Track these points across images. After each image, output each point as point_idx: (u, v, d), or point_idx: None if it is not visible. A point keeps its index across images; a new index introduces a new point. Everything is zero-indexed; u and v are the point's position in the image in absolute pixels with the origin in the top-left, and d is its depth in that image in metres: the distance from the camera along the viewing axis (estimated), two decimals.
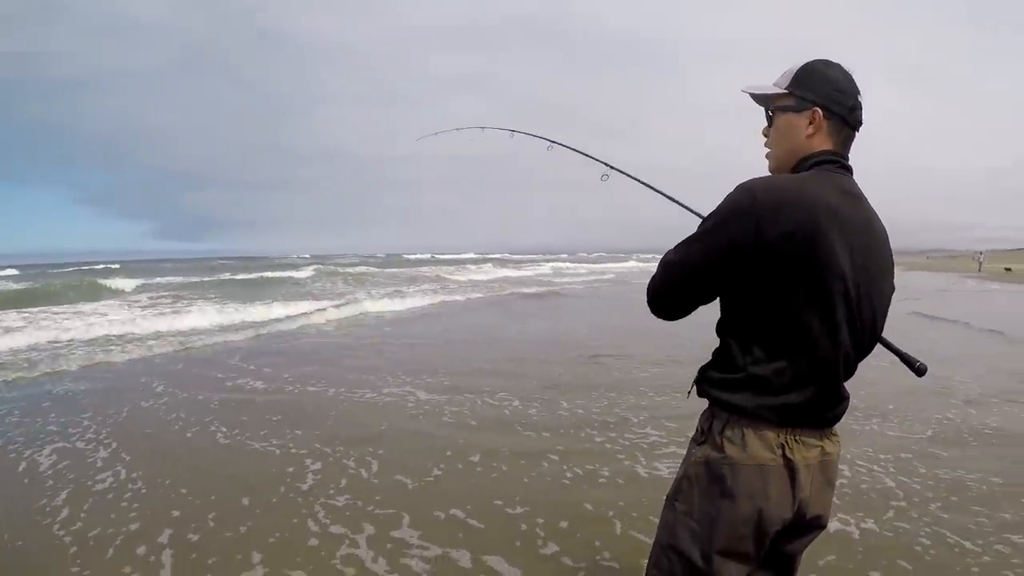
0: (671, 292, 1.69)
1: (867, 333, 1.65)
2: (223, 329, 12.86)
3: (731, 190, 1.59)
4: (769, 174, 1.76)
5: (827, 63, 1.70)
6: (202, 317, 14.13)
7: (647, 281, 1.72)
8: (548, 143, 3.38)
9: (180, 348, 10.59)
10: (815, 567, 3.16)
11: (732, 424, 1.61)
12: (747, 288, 1.58)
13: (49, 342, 10.94)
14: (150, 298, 21.37)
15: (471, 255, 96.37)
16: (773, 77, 1.77)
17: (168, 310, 16.49)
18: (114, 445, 5.40)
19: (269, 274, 33.70)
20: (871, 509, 3.91)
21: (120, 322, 13.46)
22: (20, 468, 4.89)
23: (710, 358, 1.72)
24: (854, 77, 1.70)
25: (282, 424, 5.93)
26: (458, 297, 21.35)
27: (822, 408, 1.62)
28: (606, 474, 4.55)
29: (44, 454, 5.18)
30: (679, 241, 1.67)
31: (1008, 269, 40.53)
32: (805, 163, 1.68)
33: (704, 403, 1.72)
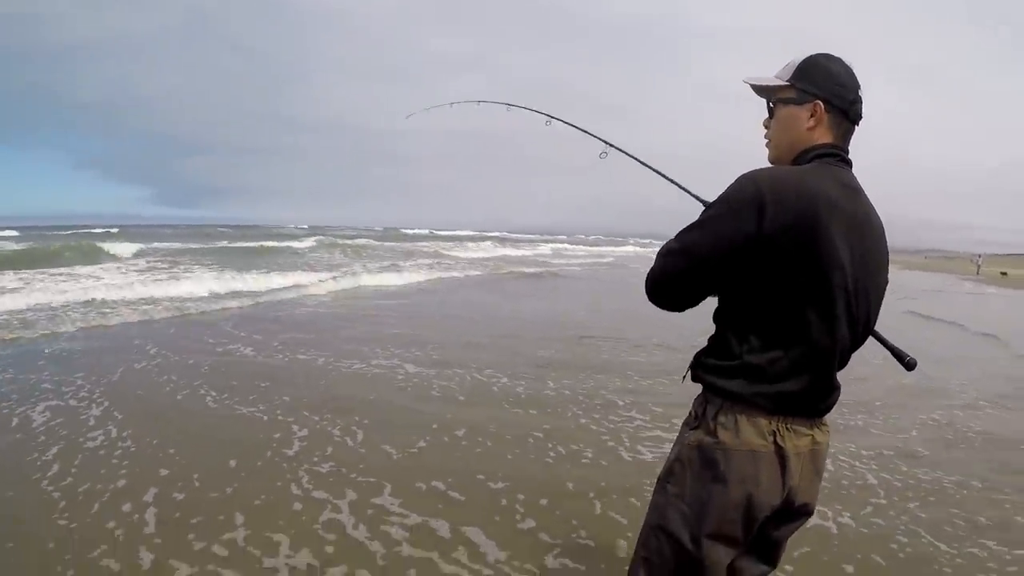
0: (672, 281, 1.70)
1: (861, 325, 1.68)
2: (219, 296, 12.89)
3: (733, 180, 1.61)
4: (769, 165, 1.79)
5: (828, 57, 1.73)
6: (199, 284, 14.11)
7: (644, 267, 1.75)
8: (547, 118, 3.39)
9: (176, 314, 10.63)
10: (789, 558, 3.19)
11: (726, 410, 1.63)
12: (747, 278, 1.60)
13: (46, 304, 10.94)
14: (148, 263, 21.34)
15: (469, 232, 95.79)
16: (773, 68, 1.80)
17: (165, 276, 16.48)
18: (106, 404, 5.48)
19: (267, 243, 33.41)
20: (850, 503, 3.94)
21: (117, 286, 13.46)
22: (13, 423, 4.97)
23: (705, 344, 1.75)
24: (854, 71, 1.72)
25: (270, 390, 6.00)
26: (456, 274, 21.36)
27: (815, 398, 1.65)
28: (589, 455, 4.61)
29: (38, 411, 5.25)
30: (680, 230, 1.68)
31: (1004, 273, 40.46)
32: (806, 155, 1.70)
33: (696, 388, 1.76)
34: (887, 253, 1.73)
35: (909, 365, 1.90)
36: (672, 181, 2.48)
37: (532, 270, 24.61)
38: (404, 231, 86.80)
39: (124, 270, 18.60)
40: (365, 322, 10.43)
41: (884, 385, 6.81)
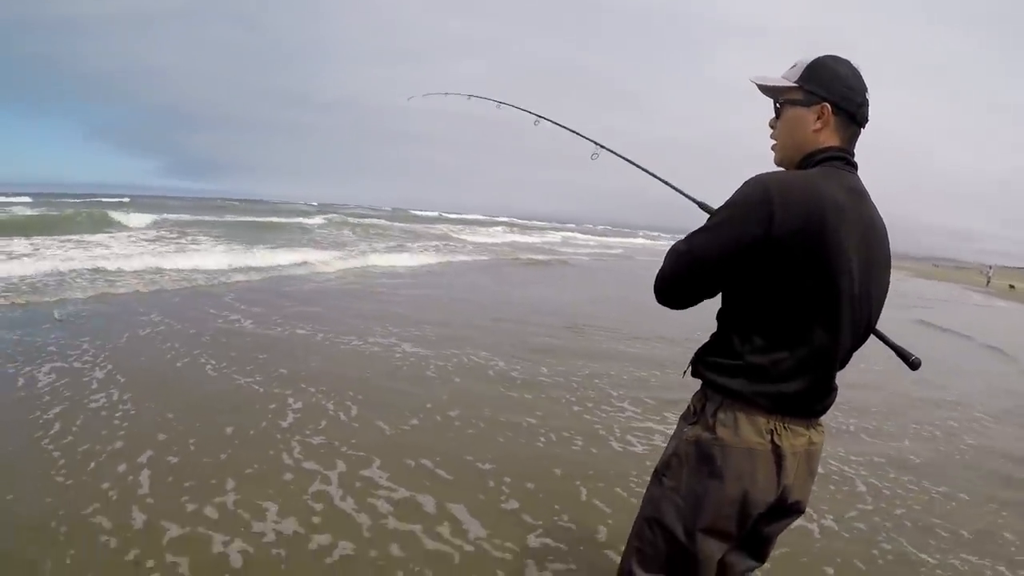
0: (680, 282, 1.71)
1: (863, 326, 1.71)
2: (226, 270, 12.98)
3: (743, 182, 1.62)
4: (776, 167, 1.80)
5: (836, 59, 1.72)
6: (207, 256, 14.23)
7: (652, 259, 1.79)
8: (536, 118, 3.39)
9: (182, 285, 10.73)
10: (769, 556, 3.24)
11: (726, 407, 1.65)
12: (753, 280, 1.61)
13: (55, 270, 11.03)
14: (157, 233, 21.40)
15: (478, 216, 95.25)
16: (781, 68, 1.81)
17: (174, 247, 16.62)
18: (109, 367, 5.59)
19: (276, 219, 33.36)
20: (835, 507, 3.97)
21: (126, 255, 13.57)
22: (19, 383, 5.08)
23: (707, 341, 1.77)
24: (861, 74, 1.73)
25: (268, 362, 6.09)
26: (464, 257, 21.35)
27: (814, 399, 1.67)
28: (579, 442, 4.67)
29: (43, 371, 5.36)
30: (690, 232, 1.70)
31: (1012, 287, 40.14)
32: (812, 158, 1.70)
33: (695, 384, 1.79)
34: (889, 255, 1.74)
35: (913, 364, 1.93)
36: (664, 182, 2.50)
37: (541, 257, 24.55)
38: (413, 212, 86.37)
39: (135, 239, 18.69)
40: (369, 301, 10.53)
41: (882, 392, 6.84)
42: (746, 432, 1.63)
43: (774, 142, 1.82)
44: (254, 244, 18.28)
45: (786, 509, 1.74)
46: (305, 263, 15.14)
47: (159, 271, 12.07)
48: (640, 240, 66.32)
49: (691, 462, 1.69)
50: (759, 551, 1.84)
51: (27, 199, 42.16)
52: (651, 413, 5.40)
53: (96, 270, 11.43)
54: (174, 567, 2.82)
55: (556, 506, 3.66)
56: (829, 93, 1.68)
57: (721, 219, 1.63)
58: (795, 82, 1.73)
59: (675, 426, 1.84)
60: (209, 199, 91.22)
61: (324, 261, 15.63)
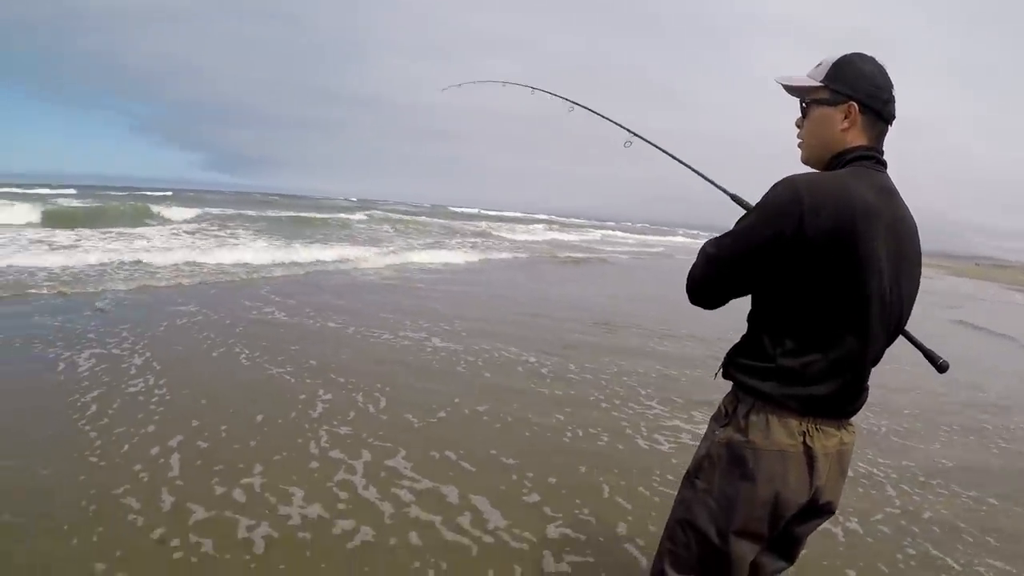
0: (710, 283, 1.72)
1: (894, 326, 1.70)
2: (266, 265, 13.13)
3: (773, 184, 1.62)
4: (807, 167, 1.78)
5: (862, 57, 1.71)
6: (246, 251, 14.43)
7: (691, 257, 1.76)
8: (570, 104, 3.35)
9: (221, 278, 10.91)
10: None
11: (757, 409, 1.66)
12: (783, 282, 1.61)
13: (96, 262, 11.31)
14: (198, 227, 21.69)
15: (517, 213, 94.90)
16: (806, 67, 1.79)
17: (214, 241, 16.82)
18: (147, 355, 5.74)
19: (317, 214, 33.37)
20: (861, 510, 3.91)
21: (166, 249, 13.87)
22: (59, 367, 5.24)
23: (738, 342, 1.77)
24: (887, 71, 1.71)
25: (300, 354, 6.19)
26: (504, 255, 21.27)
27: (845, 400, 1.67)
28: (605, 439, 4.66)
29: (83, 357, 5.53)
30: (720, 234, 1.71)
31: None
32: (841, 158, 1.69)
33: (726, 385, 1.80)
34: (920, 253, 1.73)
35: (941, 367, 1.91)
36: (697, 172, 2.47)
37: (579, 255, 24.37)
38: (452, 209, 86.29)
39: (176, 232, 19.01)
40: (404, 296, 10.59)
41: (915, 393, 6.71)
42: (778, 435, 1.63)
43: (801, 142, 1.81)
44: (294, 239, 18.51)
45: (818, 510, 1.74)
46: (345, 259, 15.22)
47: (199, 264, 12.29)
48: (680, 238, 65.60)
49: (723, 464, 1.70)
50: (789, 552, 1.85)
51: (72, 191, 43.11)
52: (679, 412, 5.37)
53: (137, 262, 11.69)
54: (198, 547, 2.89)
55: (577, 500, 3.67)
56: (855, 91, 1.67)
57: (751, 221, 1.64)
58: (821, 81, 1.72)
59: (704, 426, 1.85)
60: (250, 193, 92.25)
61: (363, 257, 15.74)
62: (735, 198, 2.16)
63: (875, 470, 4.58)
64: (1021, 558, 3.58)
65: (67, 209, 24.05)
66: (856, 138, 1.69)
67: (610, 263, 22.40)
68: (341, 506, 3.38)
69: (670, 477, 4.03)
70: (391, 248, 19.02)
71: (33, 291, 8.40)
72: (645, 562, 3.08)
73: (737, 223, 1.68)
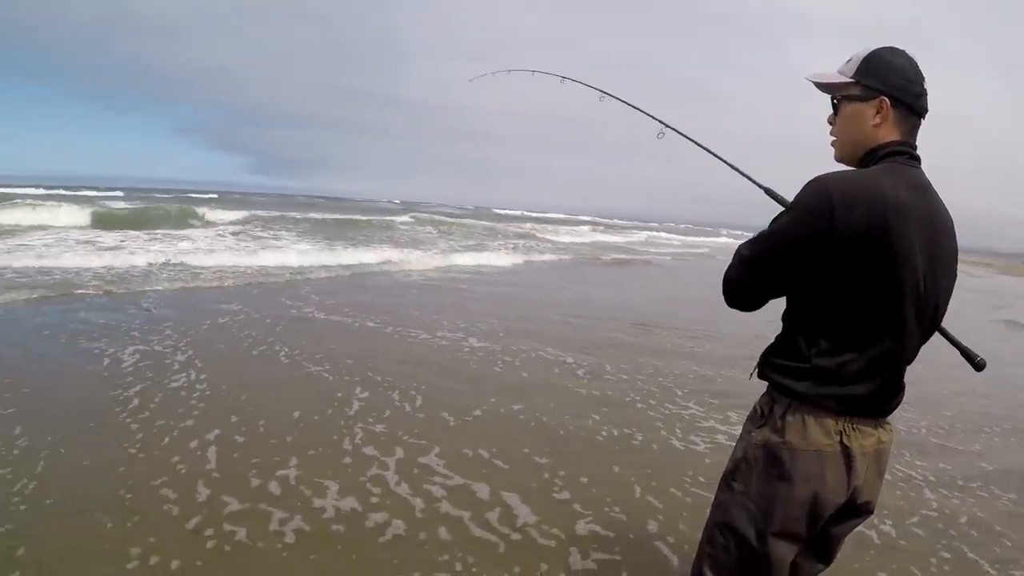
0: (746, 286, 1.73)
1: (929, 323, 1.68)
2: (309, 266, 13.20)
3: (805, 184, 1.60)
4: (841, 166, 1.75)
5: (892, 50, 1.68)
6: (290, 253, 14.62)
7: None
8: (600, 94, 3.33)
9: (264, 279, 11.06)
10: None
11: (793, 409, 1.64)
12: (817, 282, 1.60)
13: (142, 263, 11.56)
14: (243, 229, 21.89)
15: (560, 215, 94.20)
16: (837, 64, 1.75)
17: (259, 243, 17.03)
18: (190, 352, 5.87)
19: (361, 216, 33.33)
20: (896, 512, 3.81)
21: (211, 250, 14.09)
22: (104, 363, 5.40)
23: (773, 342, 1.76)
24: (918, 64, 1.68)
25: (338, 353, 6.25)
26: (549, 256, 21.16)
27: (882, 400, 1.65)
28: (639, 439, 4.62)
29: (127, 353, 5.69)
30: (752, 236, 1.71)
31: None
32: (874, 154, 1.67)
33: (761, 385, 1.78)
34: (956, 249, 1.69)
35: (979, 366, 1.88)
36: (731, 165, 2.46)
37: (624, 256, 24.22)
38: (495, 211, 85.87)
39: (221, 234, 19.31)
40: (446, 297, 10.63)
41: (958, 394, 6.53)
42: (815, 434, 1.61)
43: (833, 139, 1.79)
44: (338, 241, 18.71)
45: (856, 510, 1.72)
46: (389, 261, 15.28)
47: (242, 265, 12.47)
48: (723, 239, 64.64)
49: (760, 466, 1.69)
50: (827, 552, 1.83)
51: (119, 193, 44.06)
52: (715, 412, 5.30)
53: (181, 263, 11.92)
54: (232, 535, 2.95)
55: (608, 499, 3.65)
56: (886, 86, 1.65)
57: (784, 222, 1.63)
58: (851, 77, 1.70)
59: (740, 427, 1.83)
60: (294, 196, 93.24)
61: (407, 259, 15.77)
62: (769, 191, 2.16)
63: (913, 472, 4.46)
64: None
65: (114, 211, 24.53)
66: (889, 133, 1.67)
67: (654, 265, 22.21)
68: (374, 500, 3.41)
69: (702, 479, 3.98)
70: (436, 250, 19.05)
71: (80, 291, 8.62)
72: (677, 561, 3.05)
73: (771, 224, 1.67)
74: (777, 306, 1.80)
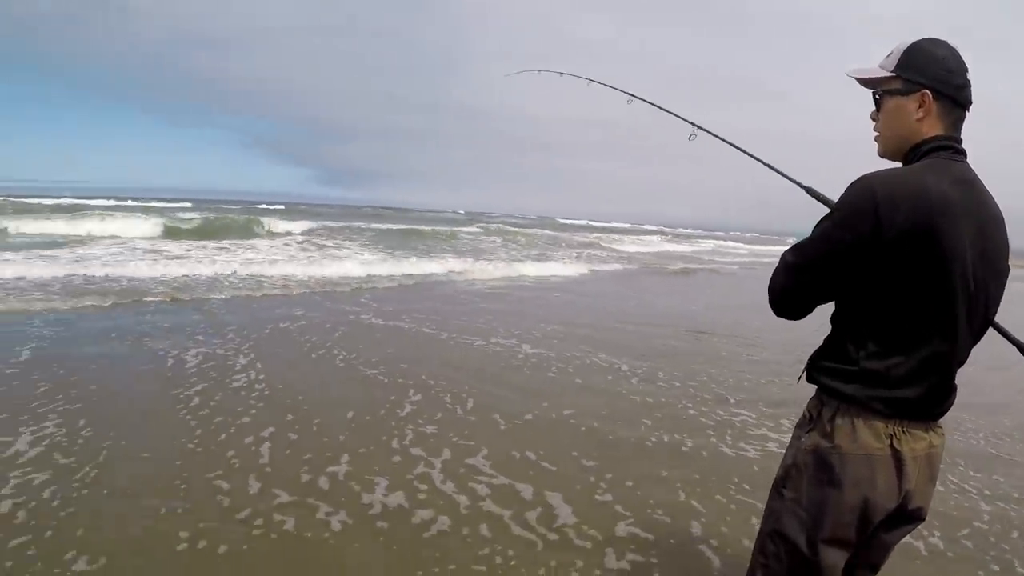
0: (790, 294, 1.70)
1: (980, 322, 1.64)
2: (372, 276, 13.34)
3: (848, 184, 1.57)
4: (886, 163, 1.71)
5: (933, 41, 1.64)
6: (354, 262, 14.85)
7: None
8: (627, 96, 3.30)
9: (327, 288, 11.26)
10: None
11: (842, 412, 1.61)
12: (865, 284, 1.56)
13: (209, 272, 11.93)
14: (308, 239, 22.25)
15: (625, 224, 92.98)
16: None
17: (324, 253, 17.30)
18: (252, 355, 6.08)
19: (426, 227, 33.47)
20: (947, 523, 3.65)
21: (276, 260, 14.44)
22: (168, 363, 5.66)
23: (821, 344, 1.73)
24: (960, 55, 1.63)
25: (394, 357, 6.37)
26: (613, 266, 20.97)
27: (932, 403, 1.61)
28: (689, 445, 4.57)
29: (190, 355, 5.93)
30: (797, 242, 1.68)
31: None
32: (919, 150, 1.62)
33: (810, 390, 1.75)
34: (1006, 242, 1.65)
35: None
36: (768, 165, 2.44)
37: (689, 266, 23.89)
38: (560, 220, 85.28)
39: (288, 243, 19.74)
40: (506, 305, 10.70)
41: (1016, 396, 6.26)
42: (864, 438, 1.58)
43: (877, 135, 1.75)
44: (402, 251, 18.97)
45: (907, 516, 1.68)
46: (454, 272, 15.29)
47: (307, 275, 12.72)
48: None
49: (810, 471, 1.66)
50: (877, 559, 1.80)
51: (187, 205, 45.37)
52: (767, 420, 5.20)
53: (247, 273, 12.24)
54: (280, 524, 3.07)
55: (651, 501, 3.63)
56: (928, 78, 1.60)
57: (827, 226, 1.60)
58: (892, 71, 1.66)
59: (791, 435, 1.80)
60: (359, 207, 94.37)
61: (470, 269, 15.80)
62: (810, 191, 2.12)
63: (966, 485, 4.25)
64: None
65: (182, 221, 25.23)
66: (932, 127, 1.62)
67: (720, 274, 21.84)
68: (420, 496, 3.48)
69: (746, 486, 3.91)
70: (501, 260, 19.03)
71: (148, 298, 8.98)
72: (718, 562, 3.03)
73: (815, 228, 1.64)
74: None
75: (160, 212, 30.27)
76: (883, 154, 1.74)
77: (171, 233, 21.10)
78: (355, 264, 14.53)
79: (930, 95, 1.60)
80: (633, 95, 3.29)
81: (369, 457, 3.95)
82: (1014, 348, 1.83)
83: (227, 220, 27.62)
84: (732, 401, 5.70)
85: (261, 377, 5.34)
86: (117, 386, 5.00)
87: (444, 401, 5.13)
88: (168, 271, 11.57)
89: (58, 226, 20.79)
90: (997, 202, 1.65)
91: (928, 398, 1.59)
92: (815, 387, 1.74)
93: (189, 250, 15.46)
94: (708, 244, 48.50)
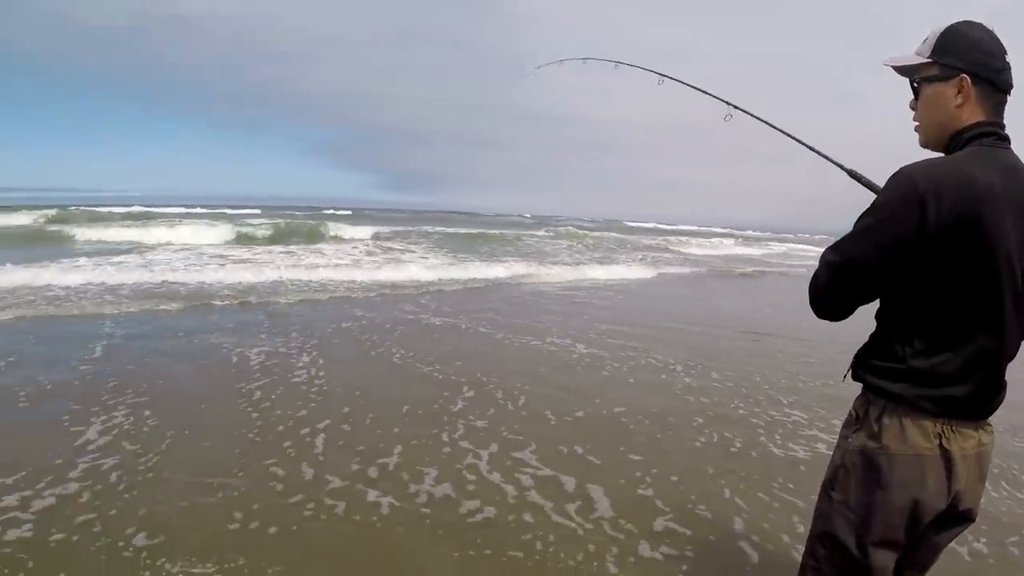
0: (832, 294, 1.66)
1: None
2: (437, 280, 13.36)
3: (889, 177, 1.53)
4: (927, 154, 1.64)
5: (970, 24, 1.58)
6: (419, 266, 14.94)
7: None
8: (659, 77, 3.25)
9: (390, 291, 11.38)
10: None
11: (889, 412, 1.58)
12: (910, 280, 1.52)
13: (276, 276, 12.19)
14: (375, 244, 22.53)
15: (693, 227, 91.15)
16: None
17: (391, 258, 17.46)
18: (314, 354, 6.31)
19: (494, 231, 33.22)
20: (994, 530, 3.50)
21: (342, 264, 14.69)
22: (233, 360, 5.95)
23: (867, 341, 1.69)
24: (998, 36, 1.57)
25: (450, 355, 6.53)
26: (681, 269, 20.68)
27: (981, 401, 1.57)
28: (738, 445, 4.54)
29: (254, 352, 6.21)
30: (840, 238, 1.62)
31: None
32: (960, 137, 1.57)
33: (856, 388, 1.72)
34: None
35: None
36: (809, 147, 2.36)
37: (758, 269, 23.36)
38: (628, 223, 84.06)
39: (356, 247, 20.02)
40: (567, 307, 10.74)
41: None
42: (913, 437, 1.55)
43: (916, 124, 1.69)
44: (468, 255, 19.08)
45: (957, 517, 1.65)
46: (519, 275, 15.20)
47: (371, 279, 12.83)
48: None
49: (858, 472, 1.63)
50: (926, 560, 1.77)
51: (256, 211, 46.30)
52: (818, 421, 5.12)
53: (312, 277, 12.47)
54: (331, 508, 3.24)
55: (693, 497, 3.65)
56: (965, 63, 1.54)
57: (870, 222, 1.55)
58: (928, 57, 1.60)
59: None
60: (426, 212, 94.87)
61: (536, 273, 15.71)
62: (853, 174, 2.07)
63: (1019, 491, 4.04)
64: None
65: (251, 228, 25.76)
66: (973, 114, 1.56)
67: (789, 276, 21.35)
68: (470, 487, 3.59)
69: (791, 485, 3.87)
70: (568, 263, 18.92)
71: (215, 301, 9.33)
72: (757, 557, 3.04)
73: (856, 224, 1.59)
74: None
75: (229, 219, 31.05)
76: (924, 144, 1.68)
77: (240, 239, 21.69)
78: (420, 268, 14.57)
79: (968, 80, 1.54)
80: (664, 75, 3.24)
81: (420, 449, 4.08)
82: None
83: (294, 225, 28.15)
84: (785, 402, 5.62)
85: (321, 374, 5.55)
86: (182, 381, 5.29)
87: (496, 397, 5.24)
88: (237, 276, 11.86)
89: (129, 233, 21.59)
90: None
91: (976, 396, 1.55)
92: (861, 385, 1.71)
93: (257, 255, 15.91)
94: (780, 247, 47.09)
